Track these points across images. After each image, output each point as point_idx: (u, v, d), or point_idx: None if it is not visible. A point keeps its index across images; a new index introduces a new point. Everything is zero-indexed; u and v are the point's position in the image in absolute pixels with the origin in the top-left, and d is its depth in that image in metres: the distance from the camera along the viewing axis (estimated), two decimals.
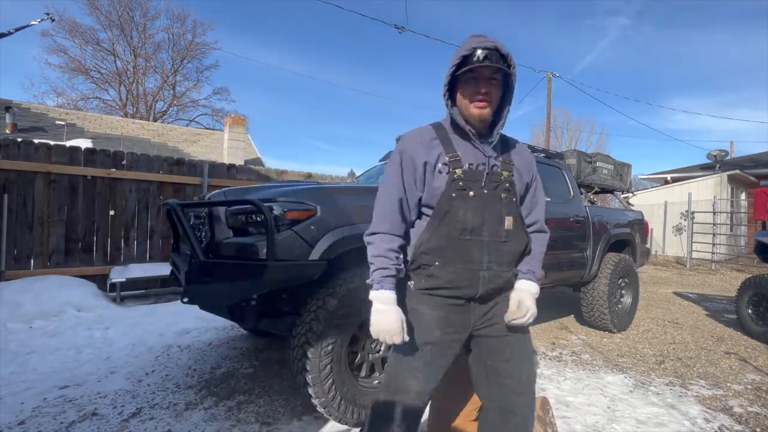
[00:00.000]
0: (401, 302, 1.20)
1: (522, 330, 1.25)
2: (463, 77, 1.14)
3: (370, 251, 1.20)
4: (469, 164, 1.18)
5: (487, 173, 1.18)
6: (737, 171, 12.77)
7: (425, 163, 1.19)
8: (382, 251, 1.18)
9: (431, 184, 1.18)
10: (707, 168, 14.58)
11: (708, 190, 11.43)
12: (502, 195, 1.19)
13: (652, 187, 14.19)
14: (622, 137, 56.82)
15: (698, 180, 12.11)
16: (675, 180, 14.24)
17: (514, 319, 1.20)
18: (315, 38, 51.79)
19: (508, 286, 1.25)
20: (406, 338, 1.15)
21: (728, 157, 15.69)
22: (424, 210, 1.23)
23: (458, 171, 1.16)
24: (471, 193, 1.16)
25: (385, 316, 1.14)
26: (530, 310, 1.21)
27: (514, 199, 1.22)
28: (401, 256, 1.22)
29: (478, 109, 1.14)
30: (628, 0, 45.31)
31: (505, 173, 1.21)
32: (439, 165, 1.18)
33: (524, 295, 1.23)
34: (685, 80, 54.22)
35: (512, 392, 1.19)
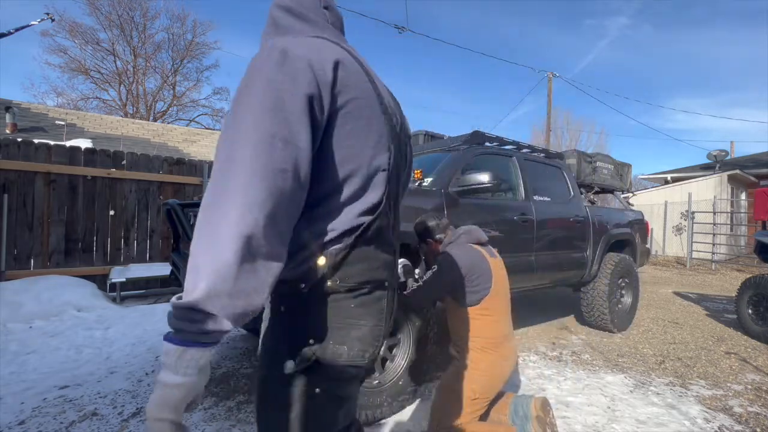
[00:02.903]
0: None
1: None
2: None
3: None
4: None
5: None
6: (737, 171, 12.77)
7: None
8: None
9: None
10: (707, 168, 14.57)
11: (708, 190, 11.43)
12: None
13: (652, 187, 14.18)
14: (622, 137, 56.92)
15: (698, 180, 12.10)
16: (675, 180, 14.23)
17: None
18: None
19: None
20: None
21: (728, 157, 15.69)
22: None
23: None
24: None
25: None
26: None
27: None
28: None
29: None
30: (628, 0, 45.36)
31: None
32: None
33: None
34: (685, 80, 54.32)
35: None
